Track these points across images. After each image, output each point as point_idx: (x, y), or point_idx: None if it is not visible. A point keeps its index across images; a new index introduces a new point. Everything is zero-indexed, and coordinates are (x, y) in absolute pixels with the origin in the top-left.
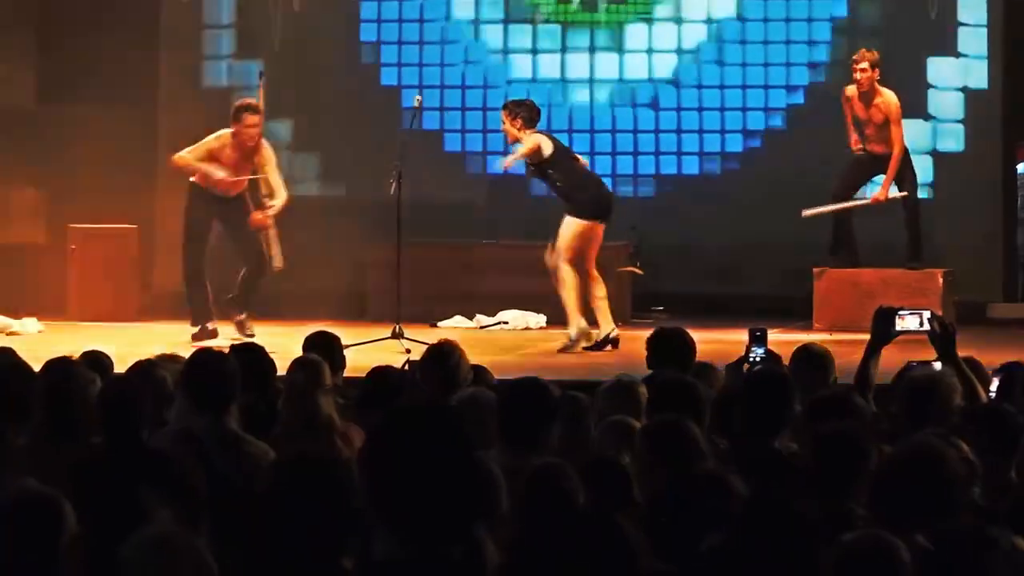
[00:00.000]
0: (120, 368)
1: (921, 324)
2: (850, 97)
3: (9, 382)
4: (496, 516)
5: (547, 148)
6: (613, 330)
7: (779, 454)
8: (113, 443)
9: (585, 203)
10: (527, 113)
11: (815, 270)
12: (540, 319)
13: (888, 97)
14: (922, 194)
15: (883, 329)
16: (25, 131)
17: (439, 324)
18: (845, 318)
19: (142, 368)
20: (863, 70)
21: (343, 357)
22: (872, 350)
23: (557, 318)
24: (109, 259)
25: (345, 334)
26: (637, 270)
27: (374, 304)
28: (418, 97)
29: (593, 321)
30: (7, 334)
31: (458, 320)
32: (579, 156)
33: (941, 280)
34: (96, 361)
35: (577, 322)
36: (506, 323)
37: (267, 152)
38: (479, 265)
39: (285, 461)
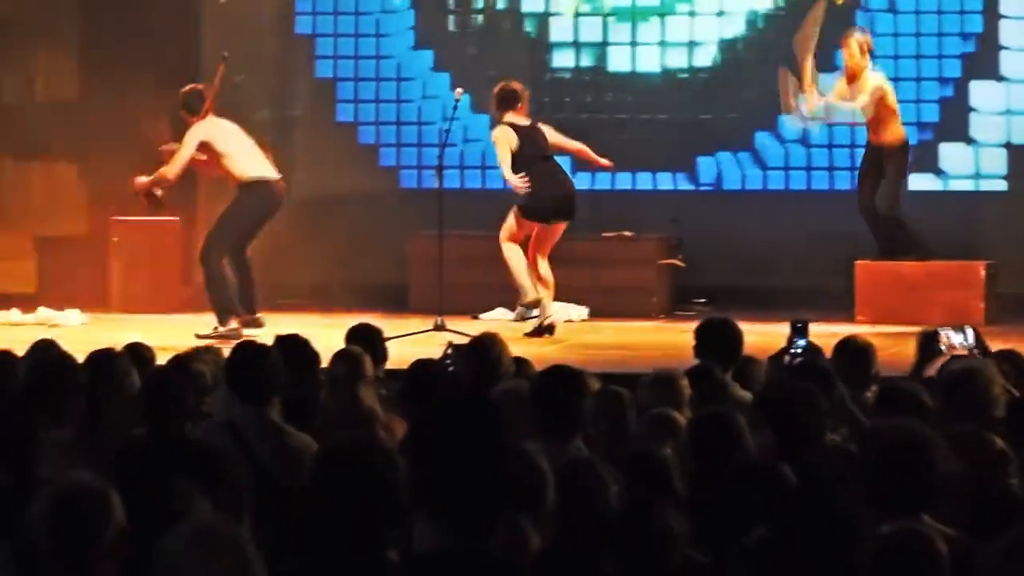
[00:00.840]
0: (162, 360)
1: (965, 339)
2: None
3: (52, 374)
4: (541, 509)
5: (512, 142)
6: (547, 318)
7: (825, 446)
8: (155, 435)
9: (526, 203)
10: (498, 98)
11: (857, 263)
12: (582, 311)
13: (871, 82)
14: (999, 186)
15: (928, 350)
16: (68, 124)
17: (481, 316)
18: (887, 311)
19: (183, 360)
20: (849, 55)
21: (385, 349)
22: (915, 374)
23: (599, 310)
24: (151, 251)
25: (387, 326)
26: (679, 263)
27: (416, 296)
28: (459, 89)
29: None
30: (50, 326)
31: (500, 312)
32: (557, 148)
33: (983, 272)
34: (138, 353)
35: (528, 292)
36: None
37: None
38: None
39: (329, 452)
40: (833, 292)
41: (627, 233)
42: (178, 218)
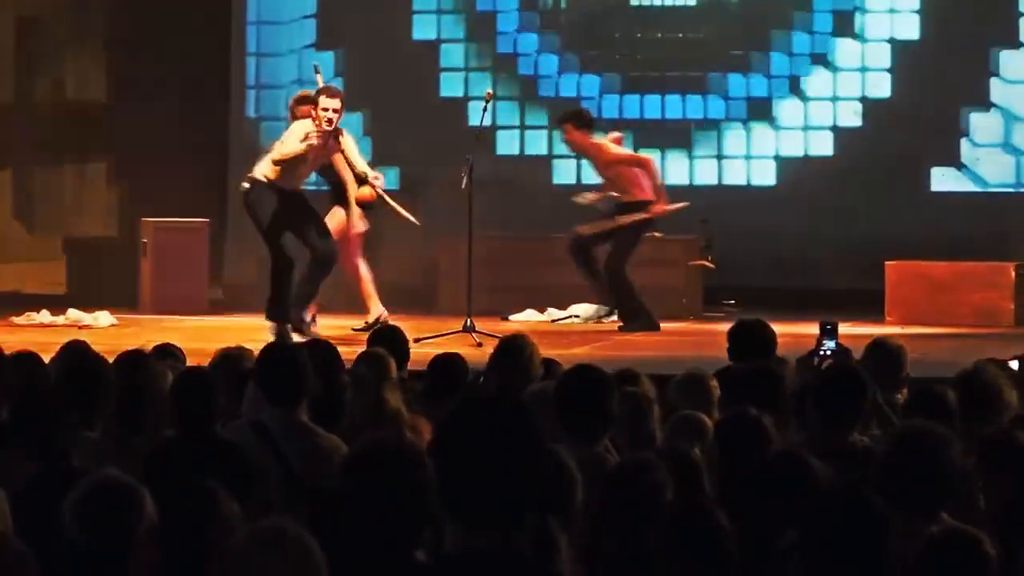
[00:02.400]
0: (191, 361)
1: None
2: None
3: (82, 376)
4: (571, 511)
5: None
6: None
7: (854, 448)
8: (186, 436)
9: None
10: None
11: (887, 263)
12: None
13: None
14: None
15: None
16: (98, 127)
17: (510, 318)
18: (917, 312)
19: (215, 361)
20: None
21: (407, 350)
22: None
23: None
24: (181, 253)
25: (416, 328)
26: (709, 264)
27: (444, 297)
28: (489, 91)
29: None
30: (80, 327)
31: (529, 314)
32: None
33: (1013, 273)
34: (168, 354)
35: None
36: (577, 316)
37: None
38: (550, 258)
39: (358, 454)
40: (863, 293)
41: (657, 234)
42: (208, 220)
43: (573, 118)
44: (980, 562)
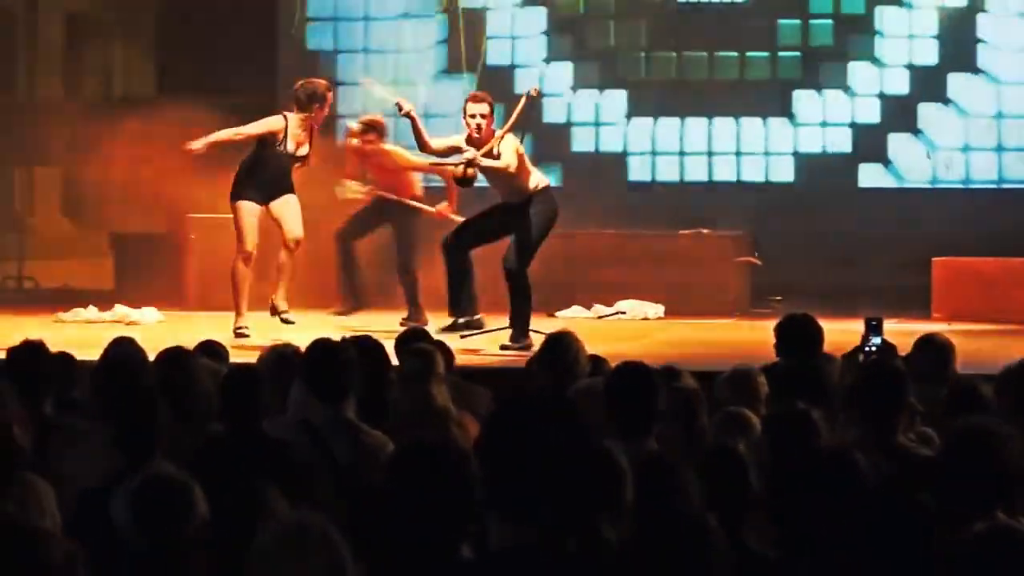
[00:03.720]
0: (234, 358)
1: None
2: None
3: (127, 371)
4: (621, 508)
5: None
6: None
7: (901, 446)
8: (233, 433)
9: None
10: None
11: (934, 260)
12: (658, 308)
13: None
14: None
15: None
16: (145, 120)
17: (557, 314)
18: (965, 308)
19: (263, 357)
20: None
21: (450, 349)
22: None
23: (675, 307)
24: (228, 249)
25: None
26: (756, 260)
27: (490, 294)
28: (536, 87)
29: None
30: (127, 324)
31: (576, 310)
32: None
33: None
34: (212, 351)
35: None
36: (624, 313)
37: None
38: (596, 254)
39: (405, 452)
40: (910, 289)
41: (704, 230)
42: None
43: None
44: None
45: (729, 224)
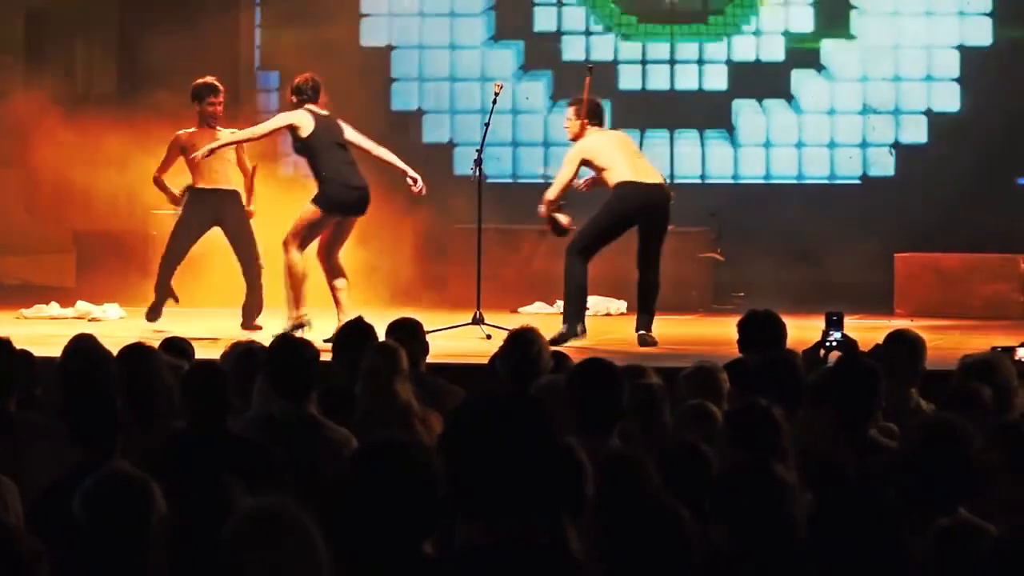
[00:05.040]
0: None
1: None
2: None
3: (88, 368)
4: (582, 503)
5: (306, 128)
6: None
7: (872, 441)
8: (196, 430)
9: (323, 194)
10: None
11: (896, 255)
12: (621, 305)
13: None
14: None
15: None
16: (107, 118)
17: (520, 310)
18: (927, 304)
19: (226, 354)
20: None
21: (426, 344)
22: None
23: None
24: None
25: (425, 320)
26: (718, 256)
27: (453, 290)
28: (499, 83)
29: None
30: (89, 320)
31: (539, 306)
32: (352, 145)
33: (1023, 265)
34: (177, 348)
35: (291, 313)
36: (587, 309)
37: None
38: (559, 250)
39: (366, 448)
40: (871, 285)
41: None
42: None
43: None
44: (987, 554)
45: (691, 221)
